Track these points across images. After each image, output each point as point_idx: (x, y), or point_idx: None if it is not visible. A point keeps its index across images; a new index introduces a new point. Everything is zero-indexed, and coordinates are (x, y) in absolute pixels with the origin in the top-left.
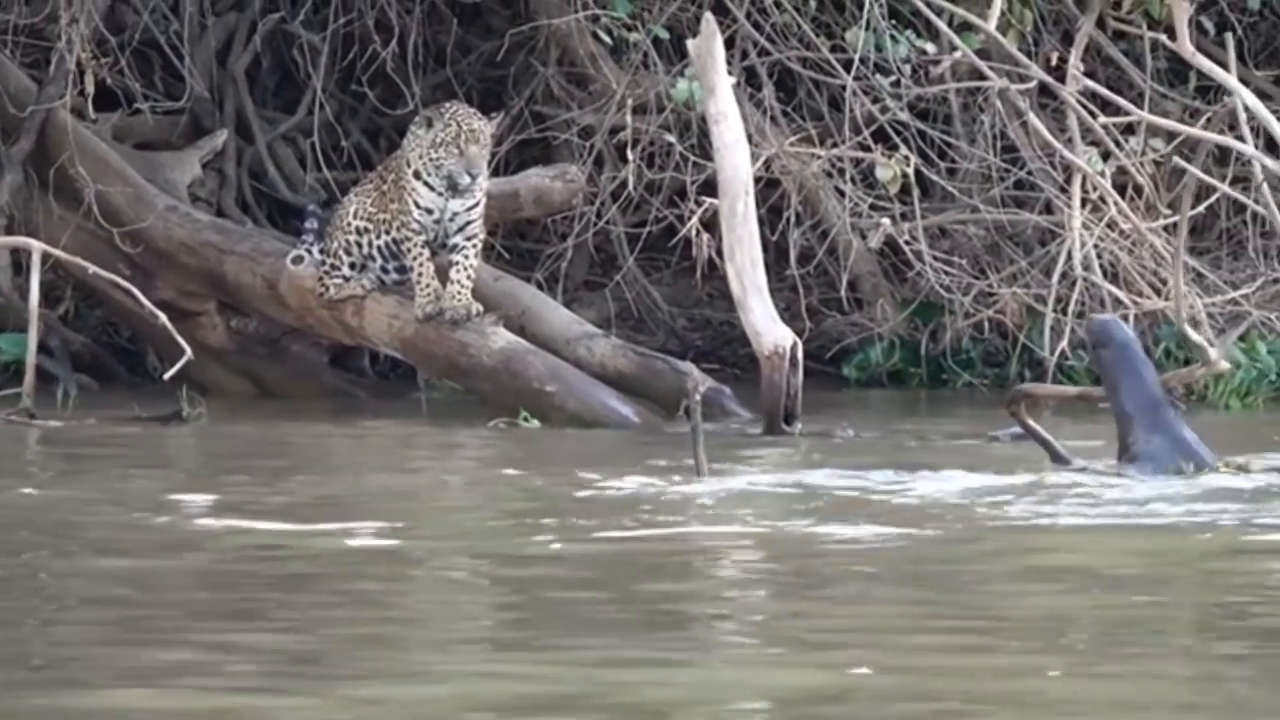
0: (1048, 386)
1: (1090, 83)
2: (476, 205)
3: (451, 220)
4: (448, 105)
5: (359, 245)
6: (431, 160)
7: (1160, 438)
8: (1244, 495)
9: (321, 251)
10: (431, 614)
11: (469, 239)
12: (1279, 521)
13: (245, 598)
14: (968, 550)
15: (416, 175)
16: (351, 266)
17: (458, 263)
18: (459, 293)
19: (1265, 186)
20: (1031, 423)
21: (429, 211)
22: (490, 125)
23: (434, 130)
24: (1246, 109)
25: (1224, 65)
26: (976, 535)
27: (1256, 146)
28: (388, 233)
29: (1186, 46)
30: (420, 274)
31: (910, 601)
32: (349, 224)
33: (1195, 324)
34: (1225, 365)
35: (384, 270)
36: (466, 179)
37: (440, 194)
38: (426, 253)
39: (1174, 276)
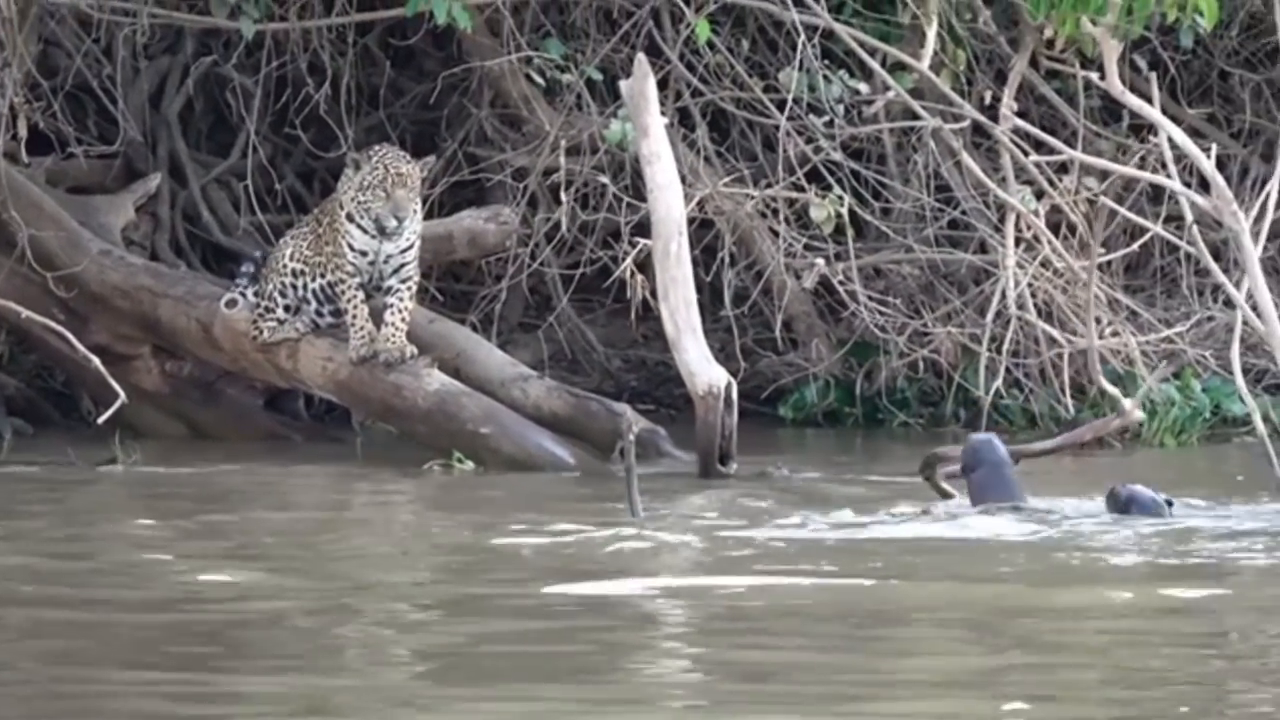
0: (959, 450)
1: (1022, 123)
2: (411, 248)
3: (386, 263)
4: (377, 148)
5: (294, 288)
6: (360, 203)
7: None
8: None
9: (256, 295)
10: (359, 664)
11: (403, 281)
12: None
13: (170, 647)
14: (911, 598)
15: (349, 218)
16: (286, 309)
17: (392, 305)
18: (393, 335)
19: (1195, 226)
20: (946, 487)
21: (363, 254)
22: (419, 168)
23: (361, 173)
24: (1175, 147)
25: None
26: (918, 581)
27: (1189, 184)
28: (323, 276)
29: (1116, 85)
30: (354, 316)
31: (842, 651)
32: (284, 267)
33: (1129, 362)
34: (1139, 415)
35: (319, 313)
36: (393, 222)
37: (373, 236)
38: (361, 295)
39: (1088, 329)
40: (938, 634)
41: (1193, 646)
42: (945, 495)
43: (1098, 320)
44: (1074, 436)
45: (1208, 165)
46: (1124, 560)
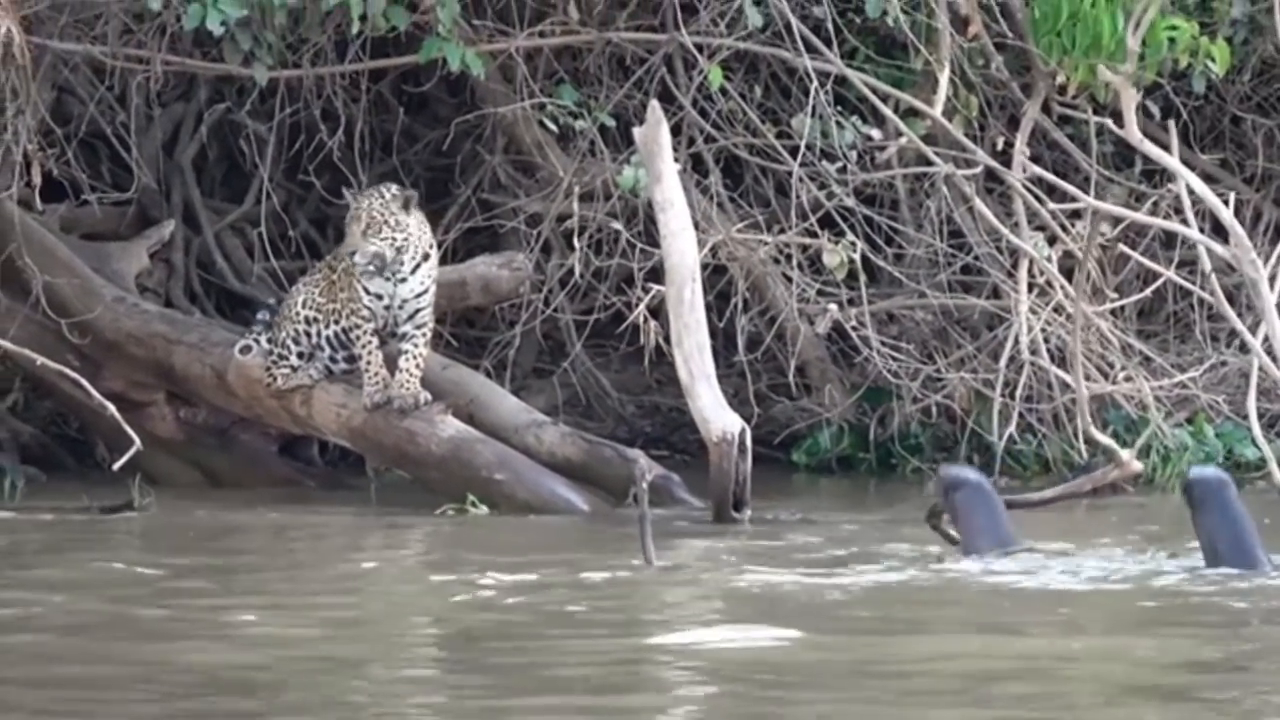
0: None
1: (1036, 168)
2: (425, 293)
3: (401, 308)
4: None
5: (308, 335)
6: None
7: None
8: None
9: (269, 341)
10: (376, 711)
11: (418, 328)
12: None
13: (183, 702)
14: (918, 653)
15: None
16: (300, 356)
17: (406, 351)
18: (407, 381)
19: (1213, 275)
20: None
21: (379, 297)
22: (391, 200)
23: None
24: (1192, 194)
25: (1169, 149)
26: (929, 636)
27: (1203, 230)
28: (336, 322)
29: (1134, 133)
30: (369, 363)
31: (860, 703)
32: (297, 314)
33: (1143, 407)
34: (1137, 466)
35: (332, 360)
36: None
37: (387, 279)
38: (375, 341)
39: (1075, 376)
40: (947, 688)
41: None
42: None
43: (1111, 366)
44: (1072, 488)
45: (1227, 215)
46: (1142, 607)
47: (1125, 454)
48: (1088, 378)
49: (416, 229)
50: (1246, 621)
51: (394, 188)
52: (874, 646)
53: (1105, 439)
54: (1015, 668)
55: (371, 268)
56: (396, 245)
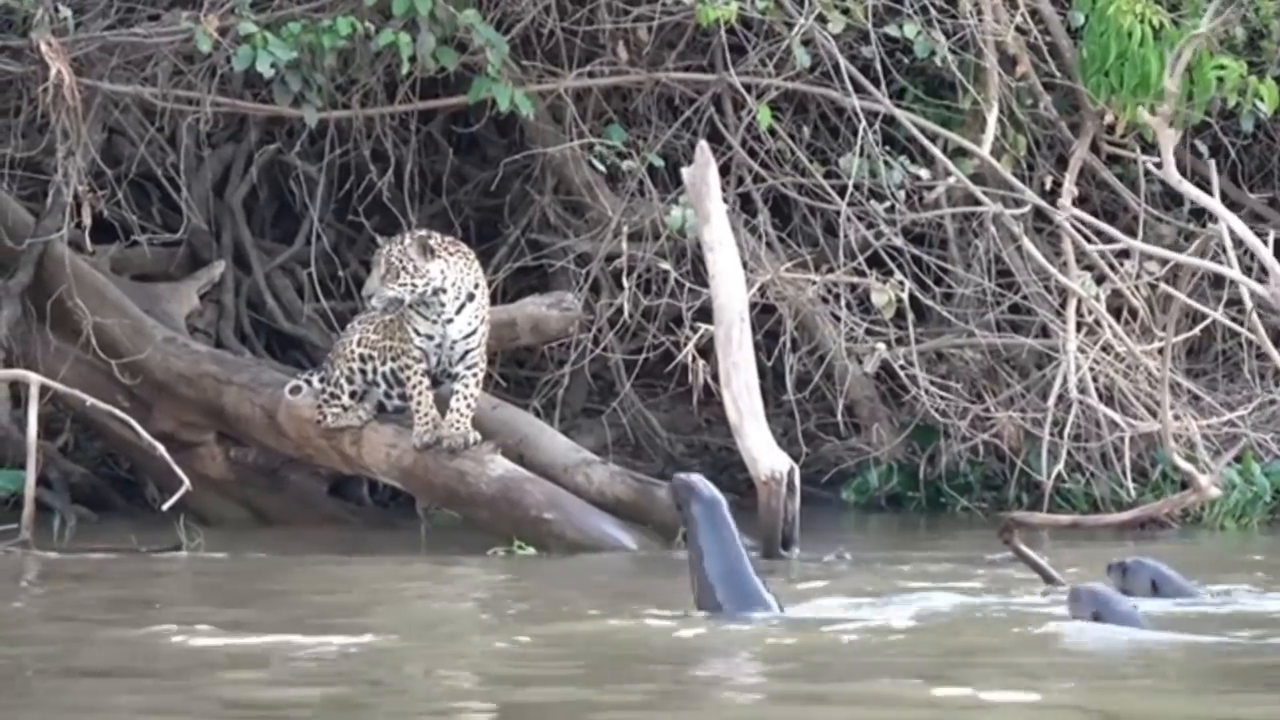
0: (1039, 515)
1: (1083, 215)
2: (475, 333)
3: (451, 348)
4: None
5: (362, 373)
6: None
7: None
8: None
9: (321, 380)
10: None
11: (469, 368)
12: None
13: None
14: (966, 700)
15: None
16: (352, 395)
17: (457, 391)
18: (457, 421)
19: (1255, 314)
20: (1025, 549)
21: (430, 338)
22: (401, 246)
23: None
24: (1233, 234)
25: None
26: (979, 683)
27: (1249, 269)
28: (394, 360)
29: (1174, 174)
30: (419, 403)
31: None
32: (352, 353)
33: (1191, 446)
34: (1216, 491)
35: (387, 395)
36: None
37: (434, 320)
38: (426, 381)
39: (1162, 409)
40: None
41: None
42: (1025, 559)
43: (1159, 404)
44: (1151, 509)
45: (1267, 254)
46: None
47: (1204, 479)
48: (1136, 417)
49: (456, 270)
50: None
51: (418, 233)
52: (930, 696)
53: (1185, 463)
54: None
55: (389, 312)
56: (417, 290)
